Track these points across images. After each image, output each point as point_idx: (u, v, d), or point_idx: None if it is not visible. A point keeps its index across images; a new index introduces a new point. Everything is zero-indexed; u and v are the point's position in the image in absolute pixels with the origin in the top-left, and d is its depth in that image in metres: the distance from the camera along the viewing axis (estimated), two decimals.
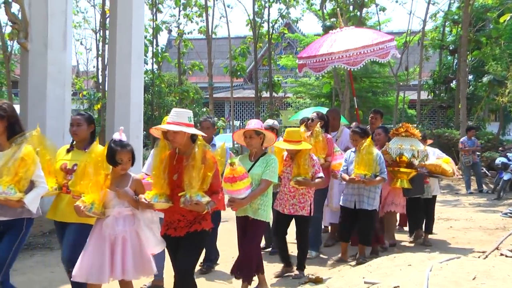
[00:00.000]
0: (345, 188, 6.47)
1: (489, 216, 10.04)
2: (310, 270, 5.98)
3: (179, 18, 22.54)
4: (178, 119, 4.05)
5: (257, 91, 21.27)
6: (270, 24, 21.96)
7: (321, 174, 5.70)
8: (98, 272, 4.00)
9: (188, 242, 4.06)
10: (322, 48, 8.04)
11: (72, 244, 4.30)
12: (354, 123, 8.87)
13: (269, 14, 21.96)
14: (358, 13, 19.62)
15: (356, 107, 9.78)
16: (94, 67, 26.16)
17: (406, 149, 6.91)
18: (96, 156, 4.11)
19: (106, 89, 14.70)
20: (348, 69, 8.37)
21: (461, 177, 14.63)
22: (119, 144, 4.10)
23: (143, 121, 10.24)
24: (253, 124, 5.12)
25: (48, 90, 7.69)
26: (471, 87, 21.96)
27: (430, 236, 7.79)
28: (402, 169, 6.93)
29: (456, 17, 21.05)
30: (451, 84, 22.78)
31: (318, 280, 5.46)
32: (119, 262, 4.03)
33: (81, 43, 43.93)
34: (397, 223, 8.44)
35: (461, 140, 14.94)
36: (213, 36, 22.29)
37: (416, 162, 6.96)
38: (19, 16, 8.07)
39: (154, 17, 22.04)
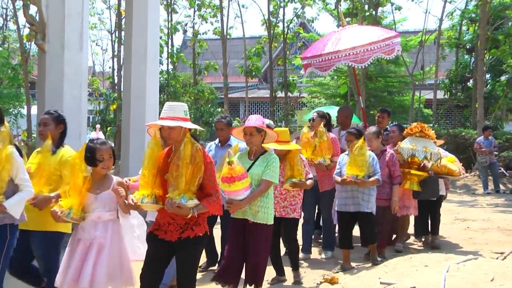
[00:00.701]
0: (339, 192, 6.21)
1: (507, 216, 9.91)
2: (320, 273, 5.97)
3: (194, 19, 22.63)
4: (173, 114, 3.75)
5: (272, 91, 21.27)
6: (285, 24, 21.95)
7: (311, 175, 5.58)
8: (63, 279, 3.81)
9: (181, 251, 3.81)
10: (327, 47, 7.87)
11: (43, 256, 4.15)
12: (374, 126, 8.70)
13: (284, 14, 21.99)
14: (374, 12, 19.54)
15: (363, 106, 9.61)
16: (110, 67, 26.42)
17: (418, 151, 6.68)
18: (74, 158, 3.93)
19: (122, 90, 14.81)
20: (353, 66, 8.17)
21: (468, 175, 14.46)
22: (98, 142, 3.95)
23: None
24: (254, 120, 4.77)
25: (64, 91, 7.74)
26: (488, 86, 21.74)
27: (447, 238, 7.71)
28: (412, 171, 6.74)
29: (473, 15, 20.85)
30: (468, 83, 22.56)
31: (334, 281, 5.45)
32: (89, 270, 3.76)
33: (97, 44, 44.11)
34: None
35: (477, 140, 14.78)
36: (228, 36, 22.33)
37: (428, 164, 6.77)
38: (37, 18, 8.15)
39: (169, 17, 22.15)
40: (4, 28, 23.92)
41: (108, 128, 20.98)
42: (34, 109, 17.94)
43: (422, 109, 23.86)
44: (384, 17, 22.05)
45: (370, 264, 6.14)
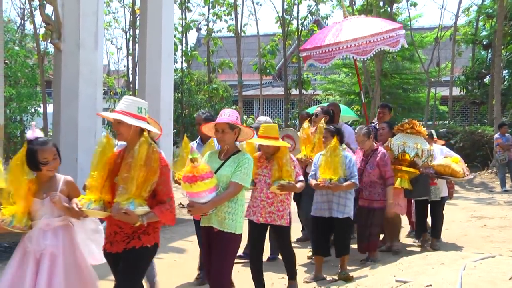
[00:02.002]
0: (315, 196, 5.75)
1: None
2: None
3: (208, 17, 22.68)
4: (126, 109, 3.41)
5: (287, 88, 21.25)
6: (299, 21, 21.89)
7: (301, 177, 4.97)
8: None
9: (125, 263, 3.37)
10: (328, 38, 7.60)
11: None
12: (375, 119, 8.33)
13: (298, 11, 21.95)
14: (389, 9, 19.40)
15: (364, 102, 9.17)
16: (124, 66, 26.57)
17: (409, 147, 6.42)
18: (15, 161, 3.48)
19: (137, 88, 14.90)
20: (355, 58, 7.84)
21: (472, 177, 14.23)
22: (38, 143, 3.49)
23: (173, 119, 10.33)
24: (227, 115, 4.12)
25: (80, 90, 7.82)
26: (506, 82, 21.47)
27: (463, 236, 7.61)
28: (404, 168, 6.45)
29: (490, 10, 20.59)
30: (485, 80, 22.31)
31: (348, 278, 5.44)
32: (44, 284, 3.37)
33: (111, 43, 44.51)
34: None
35: (495, 136, 14.59)
36: (242, 34, 22.34)
37: (419, 162, 6.52)
38: (53, 17, 8.23)
39: (184, 15, 22.22)
40: (22, 27, 24.16)
41: None
42: (50, 108, 18.12)
43: (438, 106, 23.66)
44: (399, 14, 21.88)
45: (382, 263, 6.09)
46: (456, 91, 22.87)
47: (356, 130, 6.32)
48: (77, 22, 7.86)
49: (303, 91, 21.61)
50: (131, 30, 21.95)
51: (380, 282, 4.75)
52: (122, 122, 3.37)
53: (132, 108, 3.42)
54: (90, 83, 7.98)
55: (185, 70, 22.52)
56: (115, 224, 3.38)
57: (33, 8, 19.82)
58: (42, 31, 17.77)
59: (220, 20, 22.68)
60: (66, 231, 3.58)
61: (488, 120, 19.93)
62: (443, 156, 7.04)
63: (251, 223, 5.00)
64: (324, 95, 25.29)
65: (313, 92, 24.16)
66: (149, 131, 3.45)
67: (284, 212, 4.94)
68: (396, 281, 4.42)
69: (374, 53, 7.58)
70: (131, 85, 22.20)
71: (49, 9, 9.69)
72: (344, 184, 5.47)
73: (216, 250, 4.01)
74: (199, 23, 23.89)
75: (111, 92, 23.36)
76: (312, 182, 5.60)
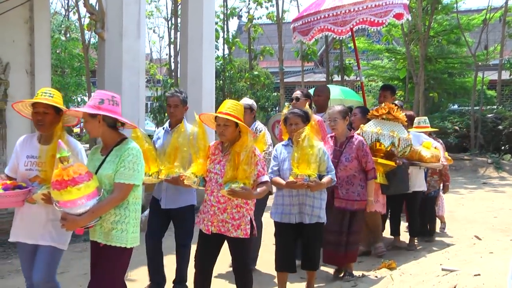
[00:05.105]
0: (279, 197, 4.68)
1: None
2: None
3: (249, 4, 22.62)
4: None
5: (328, 75, 21.01)
6: None
7: (265, 178, 3.94)
8: None
9: None
10: (311, 7, 7.06)
11: None
12: (397, 101, 7.55)
13: None
14: None
15: (362, 82, 8.31)
16: (166, 54, 26.86)
17: (384, 135, 5.64)
18: None
19: (179, 76, 15.04)
20: (336, 30, 6.91)
21: (445, 163, 13.62)
22: None
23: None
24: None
25: (123, 78, 7.94)
26: None
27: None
28: (379, 160, 5.63)
29: None
30: None
31: (392, 266, 5.38)
32: None
33: (154, 32, 45.16)
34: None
35: None
36: (283, 20, 22.18)
37: (397, 152, 5.77)
38: (96, 7, 8.37)
39: (225, 3, 22.26)
40: (67, 18, 24.74)
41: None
42: None
43: (486, 91, 22.92)
44: None
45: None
46: (505, 75, 22.09)
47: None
48: (120, 11, 7.98)
49: (345, 77, 21.32)
50: (173, 18, 22.12)
51: (425, 270, 4.66)
52: None
53: None
54: (133, 71, 8.09)
55: (227, 57, 22.59)
56: None
57: None
58: (86, 21, 18.13)
59: (261, 7, 22.60)
60: None
61: None
62: (420, 144, 6.41)
63: (201, 233, 4.07)
64: (366, 81, 24.90)
65: (356, 78, 23.82)
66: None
67: (241, 220, 3.90)
68: (443, 269, 4.32)
69: (355, 23, 6.74)
70: (173, 73, 22.45)
71: (92, 0, 9.90)
72: (324, 180, 4.54)
73: (100, 268, 3.24)
74: (240, 10, 23.87)
75: (156, 76, 23.72)
76: (280, 181, 4.55)
